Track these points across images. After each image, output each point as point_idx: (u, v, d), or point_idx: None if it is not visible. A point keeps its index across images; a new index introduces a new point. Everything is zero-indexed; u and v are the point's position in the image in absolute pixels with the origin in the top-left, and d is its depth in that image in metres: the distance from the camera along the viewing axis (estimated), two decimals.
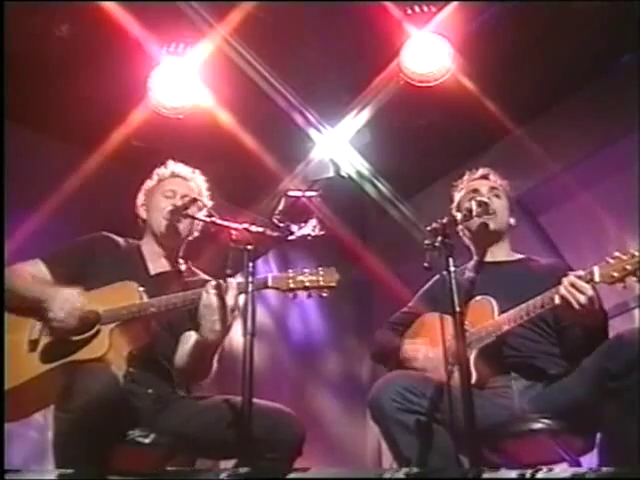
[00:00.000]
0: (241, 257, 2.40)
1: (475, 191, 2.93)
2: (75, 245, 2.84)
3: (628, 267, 2.30)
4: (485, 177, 2.99)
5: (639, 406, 2.20)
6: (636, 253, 2.30)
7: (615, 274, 2.32)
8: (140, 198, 2.99)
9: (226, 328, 2.53)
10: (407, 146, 4.57)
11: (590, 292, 2.36)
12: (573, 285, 2.37)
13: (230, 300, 2.50)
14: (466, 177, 3.03)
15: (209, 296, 2.51)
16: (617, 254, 2.34)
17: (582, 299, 2.35)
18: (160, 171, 3.00)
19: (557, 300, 2.40)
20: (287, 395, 4.65)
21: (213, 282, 2.54)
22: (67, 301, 2.54)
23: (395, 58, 3.78)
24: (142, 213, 2.96)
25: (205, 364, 2.67)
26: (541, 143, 4.17)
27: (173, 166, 3.00)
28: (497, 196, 2.92)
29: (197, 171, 3.01)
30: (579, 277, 2.38)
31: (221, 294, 2.50)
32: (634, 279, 2.30)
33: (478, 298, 2.68)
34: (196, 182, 2.97)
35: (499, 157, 4.27)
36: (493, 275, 2.82)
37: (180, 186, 2.92)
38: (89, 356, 2.46)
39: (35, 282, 2.66)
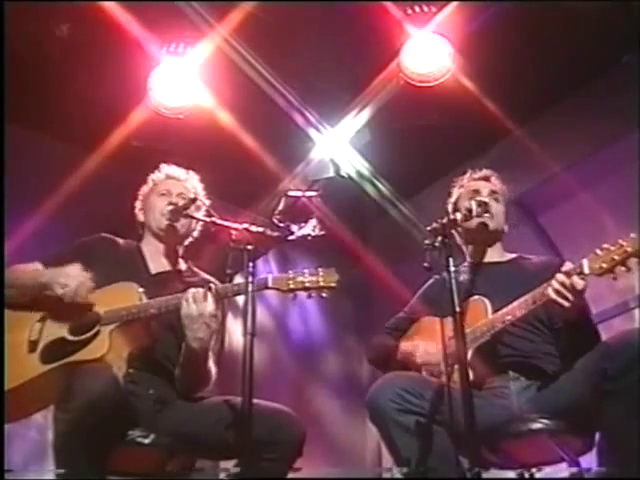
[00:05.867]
0: (241, 257, 2.41)
1: (476, 192, 2.93)
2: (75, 247, 2.83)
3: (616, 257, 2.30)
4: (486, 179, 2.99)
5: (638, 406, 2.21)
6: (624, 243, 2.30)
7: (604, 265, 2.32)
8: (138, 204, 3.00)
9: (209, 335, 2.52)
10: (407, 146, 4.57)
11: (581, 285, 2.36)
12: (563, 284, 2.38)
13: (209, 307, 2.49)
14: (467, 175, 3.03)
15: (188, 305, 2.50)
16: (605, 245, 2.34)
17: (571, 297, 2.37)
18: (154, 176, 3.02)
19: (551, 293, 2.39)
20: (287, 395, 4.64)
21: (191, 290, 2.53)
22: (73, 273, 2.56)
23: (395, 58, 3.79)
24: (140, 217, 2.98)
25: (200, 372, 2.65)
26: (541, 143, 4.17)
27: (167, 169, 3.01)
28: (496, 200, 2.91)
29: (191, 172, 3.01)
30: (568, 271, 2.39)
31: (199, 303, 2.50)
32: (623, 269, 2.30)
33: (471, 298, 2.68)
34: (191, 182, 2.98)
35: (499, 157, 4.27)
36: (487, 276, 2.82)
37: (175, 186, 2.93)
38: (89, 357, 2.46)
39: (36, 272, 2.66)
